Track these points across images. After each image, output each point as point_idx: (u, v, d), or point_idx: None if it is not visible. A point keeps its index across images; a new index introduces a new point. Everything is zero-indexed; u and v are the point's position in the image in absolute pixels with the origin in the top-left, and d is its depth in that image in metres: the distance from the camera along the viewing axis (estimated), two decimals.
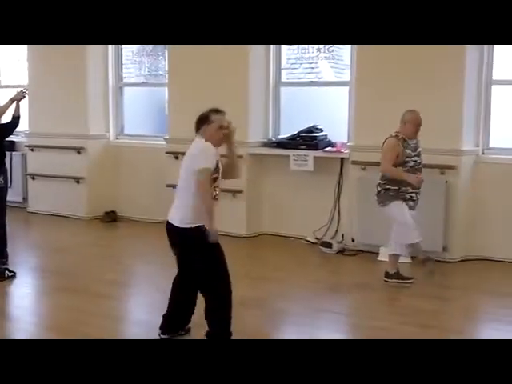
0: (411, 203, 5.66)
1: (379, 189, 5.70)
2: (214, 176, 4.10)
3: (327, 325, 4.94)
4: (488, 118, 6.61)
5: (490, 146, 6.64)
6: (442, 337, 4.56)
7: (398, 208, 5.64)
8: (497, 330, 4.82)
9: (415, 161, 5.63)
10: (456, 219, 6.51)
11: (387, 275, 5.79)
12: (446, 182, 6.41)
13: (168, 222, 4.22)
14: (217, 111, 4.29)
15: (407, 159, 5.59)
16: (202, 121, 4.24)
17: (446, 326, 4.84)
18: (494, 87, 6.57)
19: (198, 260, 4.14)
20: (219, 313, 4.19)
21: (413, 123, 5.58)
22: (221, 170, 4.21)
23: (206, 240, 4.03)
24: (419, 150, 5.69)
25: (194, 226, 4.09)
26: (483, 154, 6.64)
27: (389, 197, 5.64)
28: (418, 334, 4.60)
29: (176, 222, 4.15)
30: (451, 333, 4.70)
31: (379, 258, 6.54)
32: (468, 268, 6.36)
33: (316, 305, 5.27)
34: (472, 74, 6.46)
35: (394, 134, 5.63)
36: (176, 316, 4.44)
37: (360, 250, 6.84)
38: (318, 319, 4.99)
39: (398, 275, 5.78)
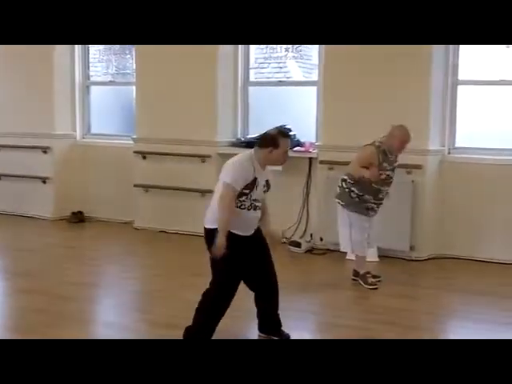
0: (373, 213, 5.68)
1: (344, 185, 5.63)
2: (245, 191, 4.08)
3: (296, 324, 4.95)
4: (454, 118, 6.69)
5: (456, 145, 6.73)
6: (409, 335, 4.61)
7: (357, 222, 5.62)
8: (464, 328, 4.89)
9: (388, 175, 5.57)
10: (423, 218, 6.58)
11: (356, 274, 5.82)
12: (413, 181, 6.47)
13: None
14: (284, 135, 4.24)
15: (381, 172, 5.50)
16: (268, 142, 4.14)
17: (413, 324, 4.88)
18: (459, 87, 6.65)
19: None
20: (201, 313, 4.19)
21: (399, 139, 5.46)
22: (260, 186, 4.15)
23: (228, 244, 4.05)
24: (395, 165, 5.65)
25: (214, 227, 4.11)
26: (449, 153, 6.72)
27: (352, 202, 5.59)
28: (385, 331, 4.63)
29: (205, 223, 4.21)
30: (419, 331, 4.75)
31: (347, 257, 6.57)
32: (435, 266, 6.43)
33: (285, 304, 5.24)
34: (438, 75, 6.54)
35: (377, 144, 5.51)
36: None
37: (328, 249, 6.86)
38: (288, 318, 4.98)
39: (363, 278, 5.72)
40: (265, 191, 4.24)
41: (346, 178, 5.65)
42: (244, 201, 4.12)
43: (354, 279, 5.80)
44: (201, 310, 4.20)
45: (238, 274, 4.22)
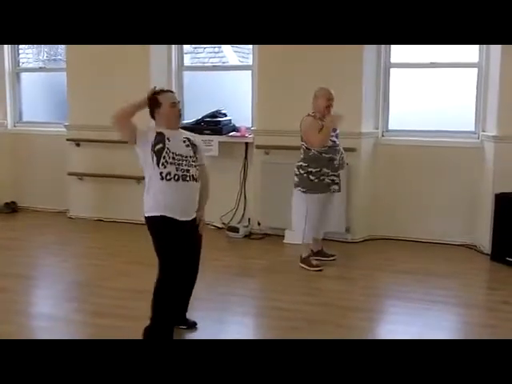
0: (335, 187, 5.77)
1: (301, 171, 5.70)
2: (158, 147, 3.99)
3: (236, 308, 4.97)
4: (387, 101, 6.80)
5: (390, 128, 6.84)
6: (347, 316, 4.70)
7: (313, 205, 5.70)
8: (396, 307, 5.00)
9: (334, 141, 5.69)
10: (358, 200, 6.69)
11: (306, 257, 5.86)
12: (347, 164, 6.52)
13: None
14: (162, 90, 4.17)
15: None
16: (151, 106, 4.12)
17: (351, 305, 4.95)
18: (392, 70, 6.76)
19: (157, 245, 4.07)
20: (155, 301, 4.03)
21: (324, 97, 5.65)
22: (175, 140, 4.04)
23: (161, 228, 3.98)
24: (337, 131, 5.75)
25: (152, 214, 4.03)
26: (383, 136, 6.84)
27: (312, 185, 5.66)
28: (324, 313, 4.71)
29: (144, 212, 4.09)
30: (356, 312, 4.82)
31: (285, 241, 6.64)
32: (371, 248, 6.55)
33: (224, 289, 5.29)
34: (371, 58, 6.62)
35: (311, 114, 5.68)
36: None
37: (266, 234, 6.90)
38: (226, 303, 5.01)
39: (321, 253, 5.92)
40: (189, 148, 4.06)
41: (300, 164, 5.72)
42: (166, 163, 3.96)
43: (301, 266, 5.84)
44: (154, 299, 4.03)
45: (173, 257, 4.01)
